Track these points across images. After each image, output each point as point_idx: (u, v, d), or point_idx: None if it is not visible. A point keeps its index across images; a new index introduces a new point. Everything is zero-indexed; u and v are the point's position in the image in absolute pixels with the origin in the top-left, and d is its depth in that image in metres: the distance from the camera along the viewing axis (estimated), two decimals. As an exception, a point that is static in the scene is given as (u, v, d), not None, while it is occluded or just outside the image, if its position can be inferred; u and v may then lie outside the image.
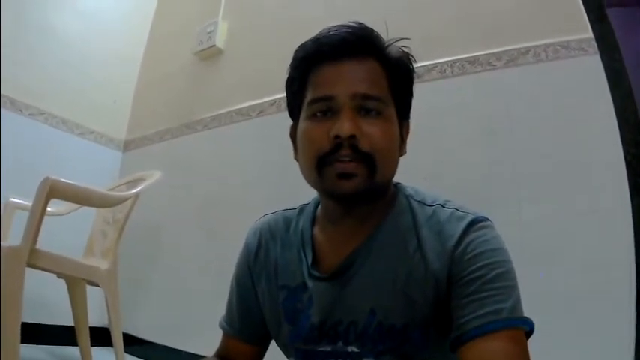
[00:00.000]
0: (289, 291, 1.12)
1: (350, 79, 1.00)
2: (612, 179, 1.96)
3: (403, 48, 1.08)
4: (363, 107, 0.98)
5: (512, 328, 0.89)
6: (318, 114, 1.01)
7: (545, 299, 1.81)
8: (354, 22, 1.04)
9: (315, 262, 1.10)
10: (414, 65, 1.10)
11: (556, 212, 2.07)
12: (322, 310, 1.05)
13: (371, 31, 1.04)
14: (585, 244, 1.97)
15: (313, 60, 1.04)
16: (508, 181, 2.22)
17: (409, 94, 1.11)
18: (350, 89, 0.98)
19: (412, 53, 1.10)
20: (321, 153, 0.98)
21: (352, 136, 0.94)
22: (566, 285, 1.95)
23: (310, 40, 1.06)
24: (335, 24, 1.05)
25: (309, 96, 1.03)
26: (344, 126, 0.95)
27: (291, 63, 1.09)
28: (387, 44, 1.06)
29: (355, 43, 1.01)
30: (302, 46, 1.07)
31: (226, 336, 1.28)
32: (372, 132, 0.97)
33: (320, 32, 1.05)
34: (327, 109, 1.00)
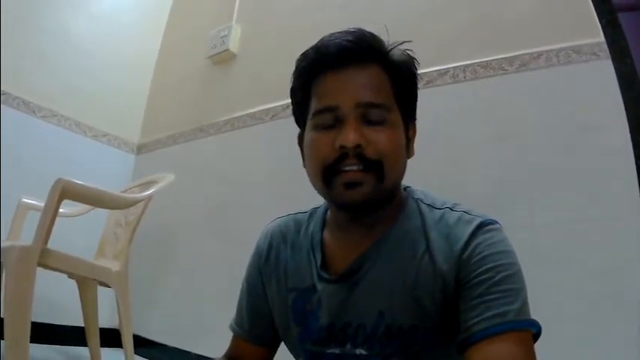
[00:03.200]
0: (298, 293, 1.13)
1: (353, 87, 1.00)
2: (624, 184, 1.95)
3: (407, 51, 1.08)
4: (368, 115, 0.98)
5: (519, 331, 0.88)
6: (324, 124, 1.01)
7: (555, 304, 1.81)
8: (354, 29, 1.03)
9: (325, 264, 1.10)
10: (418, 68, 1.10)
11: (568, 217, 2.06)
12: (331, 313, 1.06)
13: (371, 36, 1.04)
14: (597, 250, 1.96)
15: (315, 70, 1.04)
16: (520, 186, 2.21)
17: (413, 97, 1.11)
18: (353, 98, 0.98)
19: (417, 56, 1.10)
20: (326, 163, 0.98)
21: (357, 146, 0.95)
22: (577, 290, 1.94)
23: (311, 48, 1.06)
24: (337, 31, 1.05)
25: (313, 106, 1.04)
26: (349, 136, 0.95)
27: (294, 73, 1.10)
28: (388, 48, 1.05)
29: (356, 50, 1.01)
30: (303, 56, 1.07)
31: (236, 338, 1.28)
32: (378, 139, 0.97)
33: (320, 40, 1.05)
34: (332, 119, 1.00)
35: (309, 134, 1.05)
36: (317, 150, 1.01)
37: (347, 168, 0.96)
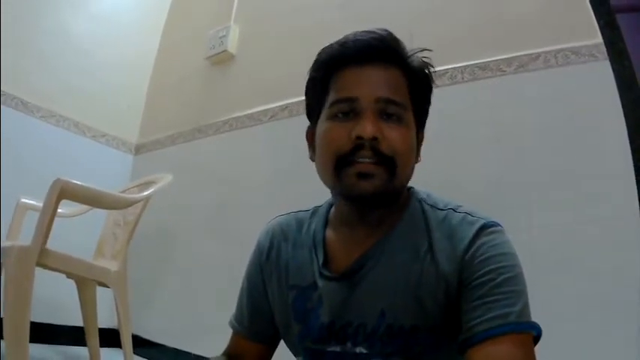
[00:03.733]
0: (299, 291, 1.13)
1: (374, 83, 1.01)
2: (622, 185, 1.96)
3: (424, 59, 1.09)
4: (385, 112, 1.00)
5: (520, 333, 0.89)
6: (340, 115, 1.02)
7: (554, 305, 1.81)
8: (379, 29, 1.05)
9: (327, 262, 1.10)
10: (435, 77, 1.12)
11: (566, 218, 2.06)
12: (332, 311, 1.06)
13: (396, 39, 1.06)
14: (595, 251, 1.97)
15: (338, 62, 1.05)
16: (518, 188, 2.22)
17: (427, 104, 1.13)
18: (374, 93, 1.00)
19: (431, 62, 1.11)
20: (341, 153, 0.99)
21: (374, 138, 0.96)
22: (576, 291, 1.94)
23: (335, 43, 1.08)
24: (354, 30, 1.07)
25: (331, 97, 1.04)
26: (367, 127, 0.96)
27: (314, 65, 1.11)
28: (409, 53, 1.07)
29: (381, 50, 1.03)
30: (326, 49, 1.09)
31: (235, 334, 1.29)
32: (393, 136, 0.98)
33: (345, 36, 1.07)
34: (350, 111, 1.01)
35: (323, 124, 1.05)
36: (332, 139, 1.01)
37: (361, 159, 0.97)
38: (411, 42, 1.08)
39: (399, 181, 1.01)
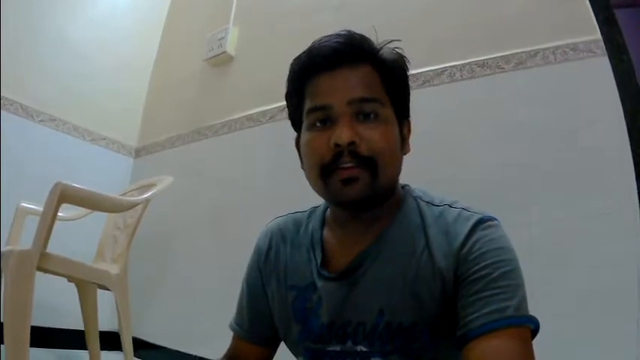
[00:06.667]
0: (299, 291, 1.13)
1: (345, 86, 1.01)
2: (622, 181, 1.96)
3: (395, 49, 1.10)
4: (361, 112, 1.00)
5: (517, 327, 0.88)
6: (318, 123, 1.02)
7: (553, 300, 1.81)
8: (344, 31, 1.06)
9: (325, 262, 1.11)
10: (409, 66, 1.12)
11: (566, 214, 2.06)
12: (331, 310, 1.06)
13: (361, 37, 1.06)
14: (595, 246, 1.96)
15: (308, 71, 1.06)
16: (518, 184, 2.21)
17: (406, 94, 1.12)
18: (346, 96, 1.00)
19: (413, 56, 1.12)
20: (323, 162, 0.99)
21: (351, 143, 0.96)
22: (575, 286, 1.94)
23: (303, 52, 1.08)
24: (333, 32, 1.07)
25: (307, 106, 1.05)
26: (342, 134, 0.96)
27: (288, 76, 1.12)
28: (378, 48, 1.07)
29: (346, 51, 1.03)
30: (296, 59, 1.09)
31: (236, 337, 1.29)
32: (371, 135, 0.98)
33: (312, 44, 1.07)
34: (326, 118, 1.01)
35: (304, 135, 1.06)
36: (313, 150, 1.02)
37: (342, 166, 0.97)
38: (375, 36, 1.09)
39: (385, 179, 1.01)
